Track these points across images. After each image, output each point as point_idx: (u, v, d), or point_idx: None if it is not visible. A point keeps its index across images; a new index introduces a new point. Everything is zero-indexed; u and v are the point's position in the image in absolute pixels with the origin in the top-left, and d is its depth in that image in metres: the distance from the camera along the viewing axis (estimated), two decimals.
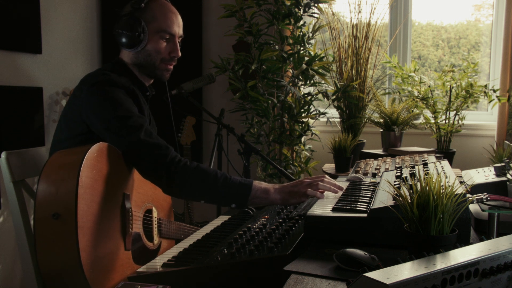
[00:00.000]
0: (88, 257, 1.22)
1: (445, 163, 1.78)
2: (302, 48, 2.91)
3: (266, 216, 1.57)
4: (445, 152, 2.82)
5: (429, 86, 2.92)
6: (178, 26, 1.73)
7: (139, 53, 1.70)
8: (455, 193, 0.97)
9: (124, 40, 1.66)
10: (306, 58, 2.87)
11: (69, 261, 1.20)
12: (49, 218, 1.23)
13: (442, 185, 0.97)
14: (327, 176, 1.57)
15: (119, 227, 1.39)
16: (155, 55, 1.70)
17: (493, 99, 2.81)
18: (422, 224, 0.97)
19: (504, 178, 1.61)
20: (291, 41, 2.92)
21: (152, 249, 1.57)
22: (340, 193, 1.52)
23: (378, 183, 1.59)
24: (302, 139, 3.05)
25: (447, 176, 1.44)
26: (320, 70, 2.87)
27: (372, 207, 1.23)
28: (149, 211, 1.61)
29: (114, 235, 1.36)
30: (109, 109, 1.51)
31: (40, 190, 1.28)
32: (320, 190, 1.51)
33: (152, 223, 1.61)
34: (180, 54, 1.75)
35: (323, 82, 2.93)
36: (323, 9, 3.04)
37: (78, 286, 1.21)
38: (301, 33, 2.92)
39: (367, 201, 1.36)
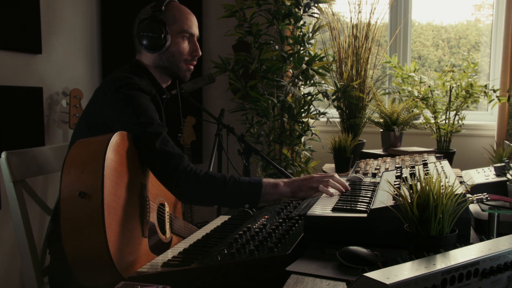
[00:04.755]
0: (114, 236, 1.22)
1: (445, 163, 1.78)
2: (302, 48, 2.91)
3: (266, 216, 1.57)
4: (445, 152, 2.81)
5: (429, 86, 2.92)
6: (196, 26, 1.77)
7: (162, 55, 1.71)
8: (455, 193, 0.97)
9: (148, 42, 1.67)
10: (306, 58, 2.87)
11: (95, 239, 1.20)
12: (75, 197, 1.23)
13: (442, 185, 0.97)
14: (336, 175, 1.59)
15: (138, 214, 1.40)
16: (178, 56, 1.72)
17: (493, 99, 2.81)
18: (422, 224, 0.97)
19: (504, 178, 1.61)
20: (291, 41, 2.92)
21: (165, 242, 1.58)
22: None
23: (378, 183, 1.59)
24: (302, 139, 3.05)
25: (447, 176, 1.44)
26: (320, 70, 2.87)
27: (372, 207, 1.23)
28: (162, 205, 1.62)
29: (134, 220, 1.37)
30: (132, 115, 1.52)
31: (65, 172, 1.28)
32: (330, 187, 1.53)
33: (165, 216, 1.63)
34: (201, 53, 1.79)
35: (323, 82, 2.93)
36: (323, 9, 3.03)
37: (104, 266, 1.21)
38: (301, 33, 2.92)
39: (367, 201, 1.36)
